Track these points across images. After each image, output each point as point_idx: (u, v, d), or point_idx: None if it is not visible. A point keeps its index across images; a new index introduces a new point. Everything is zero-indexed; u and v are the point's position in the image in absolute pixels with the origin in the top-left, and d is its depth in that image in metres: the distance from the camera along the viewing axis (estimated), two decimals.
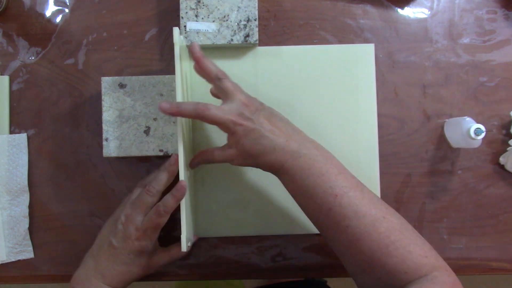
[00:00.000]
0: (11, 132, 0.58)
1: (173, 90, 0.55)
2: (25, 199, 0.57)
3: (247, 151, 0.46)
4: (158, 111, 0.55)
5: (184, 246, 0.46)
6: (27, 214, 0.57)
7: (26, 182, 0.57)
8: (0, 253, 0.57)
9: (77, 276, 0.51)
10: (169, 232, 0.57)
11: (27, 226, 0.57)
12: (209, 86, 0.58)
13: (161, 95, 0.55)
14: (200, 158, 0.51)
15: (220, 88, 0.48)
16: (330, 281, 1.29)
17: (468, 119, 0.54)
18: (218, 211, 0.57)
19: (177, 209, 0.49)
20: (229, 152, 0.47)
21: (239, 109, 0.45)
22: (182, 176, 0.47)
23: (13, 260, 0.57)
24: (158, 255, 0.54)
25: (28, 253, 0.58)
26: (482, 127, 0.51)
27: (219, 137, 0.57)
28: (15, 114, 0.58)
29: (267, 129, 0.45)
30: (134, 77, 0.55)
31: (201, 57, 0.48)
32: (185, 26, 0.55)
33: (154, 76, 0.55)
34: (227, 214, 0.57)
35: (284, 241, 0.58)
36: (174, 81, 0.54)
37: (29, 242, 0.58)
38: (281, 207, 0.57)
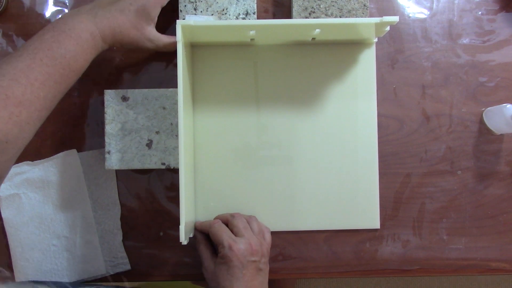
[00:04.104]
0: None
1: (176, 103, 0.55)
2: (117, 211, 0.58)
3: (217, 276, 0.50)
4: (161, 124, 0.55)
5: (183, 237, 0.46)
6: (120, 226, 0.58)
7: (117, 195, 0.58)
8: (100, 268, 0.57)
9: (68, 12, 0.49)
10: (170, 231, 0.57)
11: (121, 238, 0.58)
12: (212, 87, 0.58)
13: (164, 108, 0.55)
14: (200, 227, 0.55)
15: (232, 224, 0.52)
16: (330, 281, 1.30)
17: (509, 106, 0.55)
18: (217, 207, 0.57)
19: (177, 205, 0.49)
20: (214, 260, 0.51)
21: (243, 245, 0.49)
22: (182, 186, 0.47)
23: (112, 273, 0.58)
24: (154, 31, 0.53)
25: (125, 265, 0.58)
26: None
27: (221, 151, 0.57)
28: None
29: (245, 279, 0.48)
30: (136, 90, 0.55)
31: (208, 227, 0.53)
32: (183, 19, 0.55)
33: (157, 89, 0.55)
34: (227, 209, 0.57)
35: (284, 241, 0.58)
36: (177, 94, 0.54)
37: (125, 255, 0.58)
38: (282, 204, 0.57)
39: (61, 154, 0.57)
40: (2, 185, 0.57)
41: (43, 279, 0.57)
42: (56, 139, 0.58)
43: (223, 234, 0.50)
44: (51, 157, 0.57)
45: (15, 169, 0.57)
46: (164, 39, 0.53)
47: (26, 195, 0.57)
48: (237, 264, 0.48)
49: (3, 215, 0.57)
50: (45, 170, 0.57)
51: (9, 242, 0.57)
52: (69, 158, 0.57)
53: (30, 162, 0.57)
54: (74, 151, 0.58)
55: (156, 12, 0.52)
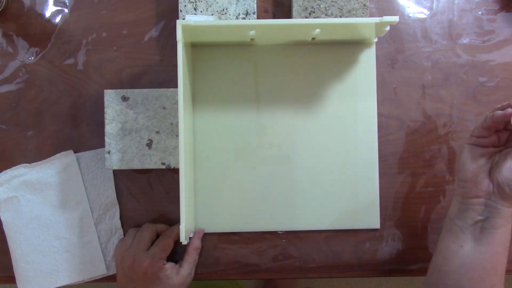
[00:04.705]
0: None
1: (176, 103, 0.55)
2: (116, 211, 0.58)
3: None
4: (161, 124, 0.55)
5: (183, 237, 0.46)
6: (120, 226, 0.58)
7: (114, 195, 0.58)
8: (100, 267, 0.57)
9: None
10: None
11: (122, 237, 0.58)
12: (212, 87, 0.58)
13: (164, 108, 0.55)
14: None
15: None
16: (330, 281, 1.30)
17: None
18: (217, 207, 0.57)
19: (177, 205, 0.49)
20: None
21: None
22: (182, 186, 0.47)
23: (112, 273, 0.58)
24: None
25: None
26: None
27: (221, 151, 0.57)
28: (15, 114, 0.58)
29: None
30: (136, 90, 0.55)
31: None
32: (183, 19, 0.55)
33: (157, 89, 0.55)
34: (227, 209, 0.57)
35: (285, 241, 0.58)
36: (177, 94, 0.54)
37: None
38: (282, 204, 0.57)
39: (57, 155, 0.57)
40: (0, 188, 0.57)
41: (44, 281, 0.57)
42: (56, 139, 0.58)
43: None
44: (48, 158, 0.57)
45: (12, 171, 0.57)
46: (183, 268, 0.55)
47: (24, 198, 0.57)
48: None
49: (2, 218, 0.57)
50: (42, 172, 0.57)
51: (9, 244, 0.57)
52: (66, 159, 0.57)
53: (27, 164, 0.57)
54: (70, 151, 0.58)
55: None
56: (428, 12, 0.60)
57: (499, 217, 0.44)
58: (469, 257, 0.44)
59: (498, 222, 0.44)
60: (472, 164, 0.45)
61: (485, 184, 0.45)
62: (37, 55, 0.59)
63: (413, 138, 0.59)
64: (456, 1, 0.60)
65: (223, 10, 0.56)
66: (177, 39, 0.46)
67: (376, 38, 0.58)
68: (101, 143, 0.58)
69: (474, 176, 0.45)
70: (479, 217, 0.44)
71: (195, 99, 0.57)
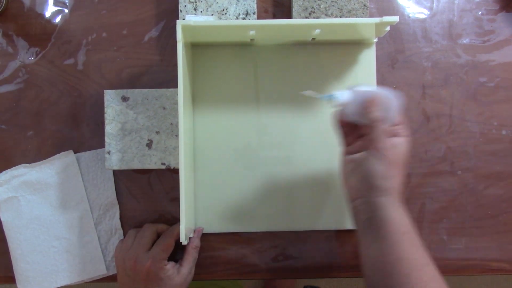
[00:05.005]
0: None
1: (176, 103, 0.55)
2: (116, 211, 0.58)
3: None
4: (161, 124, 0.55)
5: (183, 237, 0.46)
6: (120, 226, 0.58)
7: (114, 196, 0.58)
8: (100, 267, 0.57)
9: None
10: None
11: (122, 238, 0.58)
12: (212, 87, 0.58)
13: (164, 108, 0.55)
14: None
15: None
16: (330, 281, 1.30)
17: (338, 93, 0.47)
18: (217, 207, 0.57)
19: (177, 205, 0.49)
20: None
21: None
22: (182, 186, 0.47)
23: (112, 273, 0.58)
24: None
25: None
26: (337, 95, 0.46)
27: (221, 151, 0.57)
28: (15, 114, 0.58)
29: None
30: (136, 90, 0.55)
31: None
32: (183, 19, 0.55)
33: (157, 89, 0.55)
34: (227, 209, 0.57)
35: (284, 241, 0.58)
36: (177, 94, 0.54)
37: None
38: (282, 204, 0.57)
39: (57, 155, 0.57)
40: (0, 188, 0.57)
41: (44, 281, 0.57)
42: (56, 139, 0.58)
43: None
44: (48, 158, 0.57)
45: (12, 172, 0.57)
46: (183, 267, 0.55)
47: (24, 198, 0.57)
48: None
49: (2, 219, 0.57)
50: (42, 172, 0.57)
51: (9, 245, 0.57)
52: (66, 159, 0.57)
53: (27, 164, 0.57)
54: (70, 152, 0.58)
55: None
56: (428, 12, 0.60)
57: (380, 209, 0.44)
58: (375, 256, 0.44)
59: (382, 214, 0.44)
60: (345, 171, 0.48)
61: (358, 185, 0.46)
62: (37, 55, 0.59)
63: (413, 138, 0.59)
64: (456, 1, 0.60)
65: (223, 10, 0.56)
66: (177, 39, 0.46)
67: (376, 38, 0.58)
68: (101, 143, 0.58)
69: (349, 181, 0.47)
70: (366, 216, 0.45)
71: (195, 99, 0.57)
